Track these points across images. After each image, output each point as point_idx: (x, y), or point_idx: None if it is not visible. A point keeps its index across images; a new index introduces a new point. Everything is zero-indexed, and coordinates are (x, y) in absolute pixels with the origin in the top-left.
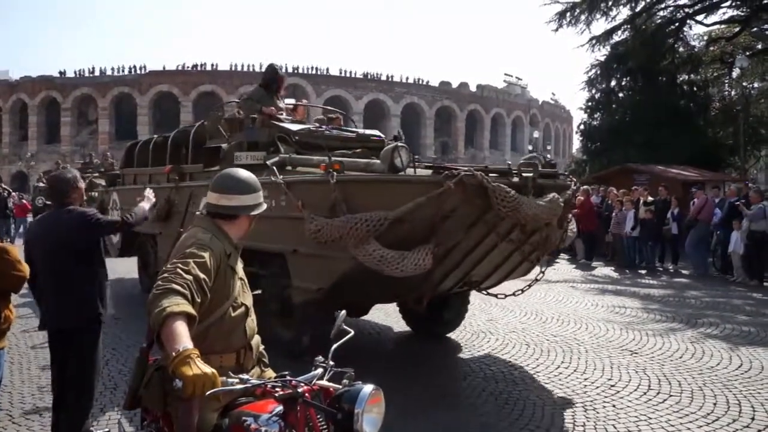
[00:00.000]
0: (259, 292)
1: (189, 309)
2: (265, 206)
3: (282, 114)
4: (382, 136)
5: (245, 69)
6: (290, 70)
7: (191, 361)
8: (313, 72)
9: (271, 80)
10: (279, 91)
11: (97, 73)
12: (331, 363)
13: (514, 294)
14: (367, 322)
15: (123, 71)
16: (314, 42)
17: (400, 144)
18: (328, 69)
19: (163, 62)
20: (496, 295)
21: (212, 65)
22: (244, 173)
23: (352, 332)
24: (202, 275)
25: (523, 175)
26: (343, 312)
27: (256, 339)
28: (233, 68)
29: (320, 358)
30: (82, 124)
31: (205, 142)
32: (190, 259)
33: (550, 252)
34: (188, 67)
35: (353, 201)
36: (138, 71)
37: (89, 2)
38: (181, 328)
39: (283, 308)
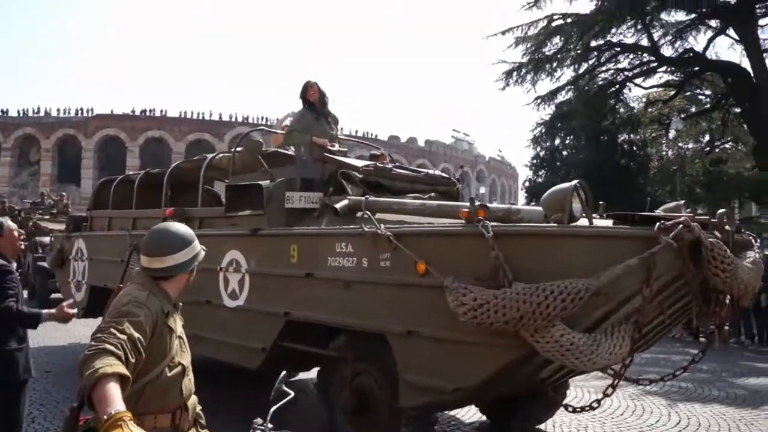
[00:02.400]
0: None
1: (122, 370)
2: (203, 255)
3: (335, 145)
4: (453, 178)
5: (195, 116)
6: (240, 119)
7: (123, 424)
8: (263, 122)
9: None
10: (324, 107)
11: (42, 114)
12: (270, 426)
13: (662, 380)
14: None
15: (69, 113)
16: (264, 94)
17: (578, 183)
18: (278, 119)
19: (111, 106)
20: (636, 381)
21: (161, 111)
22: (174, 228)
23: (293, 394)
24: (136, 335)
25: (726, 228)
26: (284, 372)
27: (193, 399)
28: (183, 115)
29: (258, 420)
30: (22, 164)
31: (219, 179)
32: (125, 318)
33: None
34: (137, 112)
35: (518, 263)
36: (85, 113)
37: (37, 41)
38: (114, 390)
39: (357, 402)
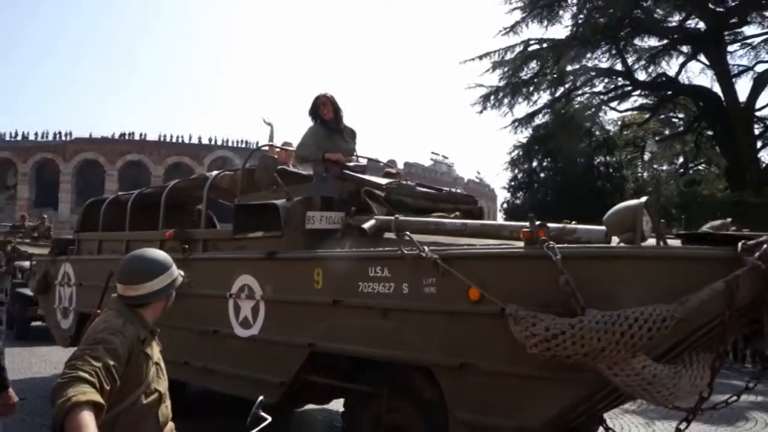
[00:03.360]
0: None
1: (96, 398)
2: (180, 281)
3: (353, 159)
4: (475, 197)
5: (174, 140)
6: (220, 142)
7: None
8: (243, 145)
9: (316, 109)
10: (339, 124)
11: (19, 138)
12: None
13: (714, 408)
14: None
15: (47, 137)
16: (243, 116)
17: (646, 200)
18: (257, 143)
19: (90, 129)
20: (688, 412)
21: (141, 135)
22: (150, 254)
23: (270, 419)
24: (111, 362)
25: None
26: (261, 397)
27: (170, 426)
28: (162, 139)
29: None
30: None
31: (220, 199)
32: (100, 345)
33: None
34: (116, 135)
35: (587, 288)
36: (63, 137)
37: (13, 64)
38: (87, 419)
39: None
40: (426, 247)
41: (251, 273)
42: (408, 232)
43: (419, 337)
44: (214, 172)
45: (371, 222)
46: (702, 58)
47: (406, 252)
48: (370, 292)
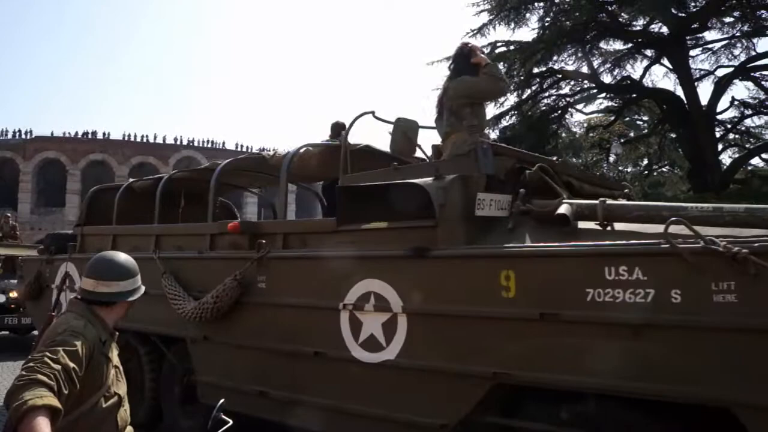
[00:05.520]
0: None
1: (53, 402)
2: (143, 290)
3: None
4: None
5: (138, 139)
6: (185, 142)
7: None
8: (209, 145)
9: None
10: None
11: None
12: None
13: None
14: None
15: (6, 135)
16: (210, 116)
17: None
18: (224, 143)
19: (52, 128)
20: None
21: (104, 134)
22: (123, 256)
23: (231, 422)
24: (72, 365)
25: None
26: (222, 400)
27: (129, 430)
28: (126, 138)
29: None
30: None
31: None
32: (60, 347)
33: None
34: (79, 134)
35: None
36: (23, 136)
37: None
38: (42, 424)
39: None
40: (719, 240)
41: (383, 277)
42: (679, 218)
43: (703, 365)
44: (264, 152)
45: (565, 207)
46: (665, 61)
47: (680, 246)
48: (608, 301)
